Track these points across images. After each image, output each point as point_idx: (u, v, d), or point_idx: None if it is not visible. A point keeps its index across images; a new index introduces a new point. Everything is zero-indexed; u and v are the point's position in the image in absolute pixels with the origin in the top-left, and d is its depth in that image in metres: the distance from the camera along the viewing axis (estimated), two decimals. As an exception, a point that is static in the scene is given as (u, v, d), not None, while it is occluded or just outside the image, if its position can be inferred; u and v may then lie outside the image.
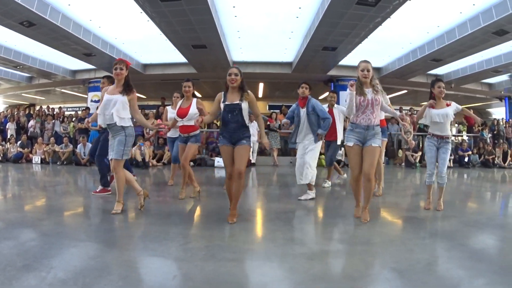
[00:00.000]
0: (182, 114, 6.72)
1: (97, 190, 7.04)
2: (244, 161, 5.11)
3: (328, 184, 8.42)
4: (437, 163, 6.01)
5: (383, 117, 7.19)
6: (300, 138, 6.89)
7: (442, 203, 6.02)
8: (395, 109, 7.75)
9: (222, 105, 5.13)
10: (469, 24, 11.72)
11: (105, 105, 5.36)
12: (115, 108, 5.31)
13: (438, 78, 6.15)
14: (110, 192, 6.95)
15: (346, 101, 5.26)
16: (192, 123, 6.59)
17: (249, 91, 5.20)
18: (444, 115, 5.80)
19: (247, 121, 5.17)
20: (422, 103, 14.34)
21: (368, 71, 5.23)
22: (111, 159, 5.49)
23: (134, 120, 5.66)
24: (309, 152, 6.80)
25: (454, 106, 5.89)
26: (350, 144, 5.22)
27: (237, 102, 5.07)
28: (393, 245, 4.09)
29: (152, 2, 10.15)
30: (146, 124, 6.58)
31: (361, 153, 5.21)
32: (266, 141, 5.65)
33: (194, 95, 6.93)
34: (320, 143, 6.91)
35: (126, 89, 5.42)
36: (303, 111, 6.83)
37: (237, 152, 5.08)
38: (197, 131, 6.86)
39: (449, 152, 6.01)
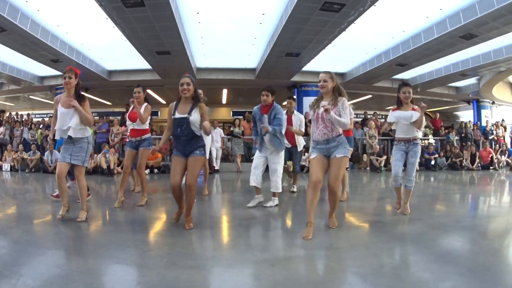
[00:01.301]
0: (133, 117, 6.76)
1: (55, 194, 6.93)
2: (196, 174, 5.03)
3: (295, 188, 8.43)
4: (404, 167, 6.00)
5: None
6: (263, 146, 6.77)
7: (409, 207, 6.04)
8: (360, 114, 7.87)
9: (172, 118, 5.04)
10: (435, 28, 11.81)
11: (62, 119, 5.29)
12: (72, 121, 5.25)
13: (404, 83, 6.13)
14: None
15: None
16: (143, 127, 6.70)
17: (202, 104, 5.08)
18: (409, 117, 5.78)
19: (198, 132, 5.03)
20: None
21: (325, 81, 5.03)
22: (66, 163, 5.31)
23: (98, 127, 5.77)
24: (276, 161, 6.73)
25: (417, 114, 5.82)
26: (313, 156, 5.02)
27: (185, 116, 4.95)
28: (356, 250, 4.07)
29: (117, 8, 10.05)
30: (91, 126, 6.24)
31: (323, 162, 5.03)
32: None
33: (146, 100, 6.97)
34: (283, 151, 6.84)
35: (78, 99, 5.30)
36: (265, 118, 6.69)
37: (190, 164, 4.99)
38: (148, 134, 6.89)
39: (418, 155, 6.00)
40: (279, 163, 6.75)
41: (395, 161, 5.98)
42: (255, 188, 6.78)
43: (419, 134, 6.51)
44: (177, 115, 5.00)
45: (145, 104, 6.88)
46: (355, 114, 8.82)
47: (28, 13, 11.21)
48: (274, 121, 6.52)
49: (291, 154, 8.31)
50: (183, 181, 5.11)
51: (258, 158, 6.78)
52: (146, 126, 6.86)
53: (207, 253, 4.07)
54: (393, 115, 5.98)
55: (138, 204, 6.68)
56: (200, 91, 6.79)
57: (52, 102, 5.80)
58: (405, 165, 6.01)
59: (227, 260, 3.83)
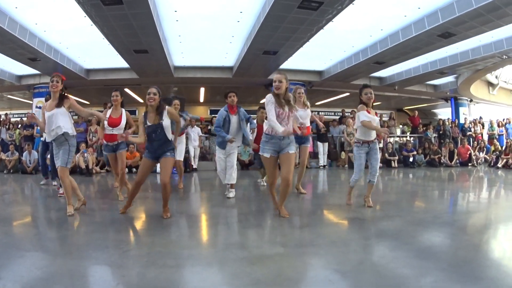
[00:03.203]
0: (114, 123, 6.98)
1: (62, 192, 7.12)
2: (169, 172, 5.57)
3: (264, 182, 8.91)
4: (367, 163, 6.35)
5: (308, 124, 7.71)
6: (232, 144, 7.30)
7: (371, 200, 6.37)
8: (337, 112, 8.21)
9: (145, 127, 5.53)
10: (413, 27, 11.85)
11: (49, 123, 5.73)
12: (58, 122, 5.70)
13: (365, 85, 6.34)
14: None
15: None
16: (120, 132, 6.80)
17: (167, 107, 5.63)
18: (377, 121, 6.13)
19: (170, 136, 5.56)
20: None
21: (280, 82, 5.36)
22: (58, 167, 5.80)
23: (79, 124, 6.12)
24: (232, 155, 7.41)
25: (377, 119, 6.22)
26: (267, 155, 5.45)
27: (158, 122, 5.45)
28: (336, 247, 4.08)
29: (95, 6, 9.94)
30: (98, 115, 6.65)
31: (276, 162, 5.50)
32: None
33: (122, 105, 7.14)
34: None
35: (61, 101, 5.81)
36: (235, 118, 7.30)
37: (162, 165, 5.56)
38: None
39: (378, 150, 6.38)
40: (235, 157, 7.54)
41: (359, 166, 6.27)
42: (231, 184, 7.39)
43: (397, 131, 6.81)
44: (149, 124, 5.51)
45: (123, 109, 7.07)
46: (333, 112, 8.93)
47: (5, 10, 11.04)
48: (250, 120, 7.60)
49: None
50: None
51: (223, 161, 7.46)
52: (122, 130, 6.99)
53: (187, 252, 4.05)
54: (367, 116, 6.05)
55: (119, 199, 7.04)
56: (177, 102, 7.48)
57: (30, 102, 6.26)
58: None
59: (206, 258, 3.84)
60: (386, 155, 14.67)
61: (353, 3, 9.82)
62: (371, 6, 10.84)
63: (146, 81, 17.00)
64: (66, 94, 5.99)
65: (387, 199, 6.96)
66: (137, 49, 13.35)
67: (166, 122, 5.51)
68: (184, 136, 8.87)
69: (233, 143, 7.28)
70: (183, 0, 10.67)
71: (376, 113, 6.19)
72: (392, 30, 12.68)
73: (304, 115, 7.45)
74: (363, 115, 6.06)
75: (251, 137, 8.07)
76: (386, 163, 14.54)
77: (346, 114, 17.39)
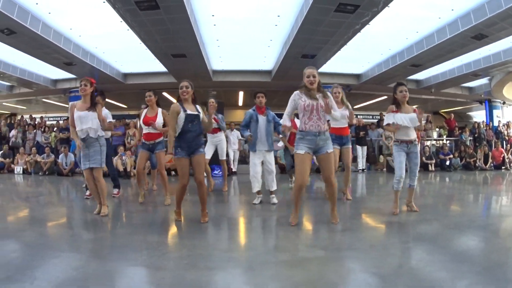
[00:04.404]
0: (149, 122, 7.04)
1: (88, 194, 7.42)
2: (203, 169, 5.48)
3: (292, 184, 8.65)
4: (407, 167, 6.06)
5: (346, 125, 7.28)
6: (259, 145, 7.04)
7: (414, 204, 6.17)
8: (375, 115, 7.97)
9: (182, 115, 5.30)
10: (448, 29, 11.79)
11: (80, 120, 5.81)
12: (92, 123, 5.82)
13: (399, 83, 6.18)
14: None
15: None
16: (156, 130, 6.98)
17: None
18: (412, 119, 5.82)
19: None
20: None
21: (314, 77, 5.20)
22: (89, 169, 5.90)
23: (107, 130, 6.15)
24: (270, 160, 7.14)
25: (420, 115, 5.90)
26: (302, 152, 5.12)
27: (196, 113, 5.39)
28: (374, 250, 4.09)
29: (131, 11, 10.08)
30: (109, 127, 6.52)
31: (310, 162, 5.24)
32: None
33: (158, 105, 7.23)
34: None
35: (92, 106, 5.90)
36: (262, 119, 7.05)
37: (196, 162, 5.37)
38: (162, 137, 7.18)
39: (419, 154, 6.08)
40: (273, 163, 7.25)
41: (399, 163, 5.94)
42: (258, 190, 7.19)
43: (434, 135, 6.59)
44: (189, 112, 5.34)
45: (160, 109, 7.14)
46: (371, 115, 8.77)
47: (38, 16, 11.22)
48: (277, 124, 7.12)
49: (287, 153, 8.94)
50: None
51: (257, 166, 7.13)
52: (160, 129, 7.07)
53: (227, 255, 4.06)
54: (395, 117, 5.93)
55: (165, 203, 6.99)
56: (212, 100, 7.06)
57: (66, 106, 6.32)
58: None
59: (247, 261, 3.85)
60: (424, 158, 14.44)
61: (388, 5, 9.82)
62: (406, 9, 10.80)
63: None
64: (97, 101, 6.10)
65: (424, 203, 6.88)
66: (175, 54, 13.46)
67: (202, 114, 5.47)
68: (223, 133, 8.83)
69: (264, 147, 7.03)
70: (220, 5, 10.76)
71: (414, 109, 5.94)
72: (427, 32, 12.63)
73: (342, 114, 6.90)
74: (388, 118, 6.00)
75: (275, 140, 7.89)
76: (423, 167, 14.31)
77: (384, 117, 17.22)
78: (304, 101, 5.12)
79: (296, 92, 5.26)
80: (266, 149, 7.05)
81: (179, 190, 5.50)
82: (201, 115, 5.44)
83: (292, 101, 5.24)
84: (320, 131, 5.13)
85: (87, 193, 7.57)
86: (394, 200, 6.09)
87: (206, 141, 8.29)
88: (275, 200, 7.06)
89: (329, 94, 5.32)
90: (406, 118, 5.85)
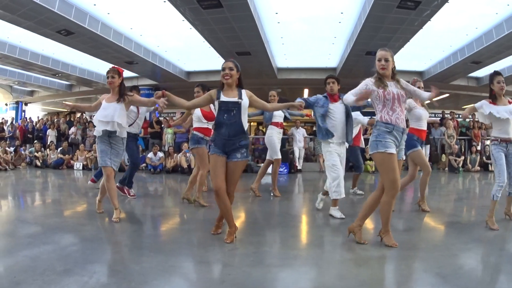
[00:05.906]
0: (210, 117, 6.50)
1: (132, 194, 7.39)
2: (236, 180, 4.42)
3: (359, 191, 7.94)
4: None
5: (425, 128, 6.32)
6: (336, 138, 5.76)
7: None
8: (438, 114, 7.57)
9: (216, 103, 4.36)
10: (505, 24, 11.67)
11: (105, 110, 5.36)
12: (120, 118, 5.35)
13: (496, 72, 5.21)
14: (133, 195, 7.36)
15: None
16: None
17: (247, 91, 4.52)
18: (510, 111, 4.95)
19: (245, 125, 4.36)
20: (464, 107, 14.16)
21: (386, 60, 4.32)
22: (109, 167, 5.39)
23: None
24: (343, 160, 5.92)
25: None
26: (392, 151, 4.07)
27: (236, 99, 4.31)
28: (437, 250, 4.10)
29: (194, 10, 10.30)
30: (148, 103, 5.86)
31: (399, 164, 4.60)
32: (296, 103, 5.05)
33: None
34: None
35: (121, 96, 5.43)
36: (340, 106, 5.91)
37: (230, 170, 4.33)
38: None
39: None
40: (343, 163, 5.95)
41: (500, 166, 5.04)
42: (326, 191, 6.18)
43: None
44: (225, 98, 4.32)
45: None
46: (433, 113, 8.42)
47: (97, 16, 11.60)
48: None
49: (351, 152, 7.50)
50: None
51: (336, 166, 5.76)
52: None
53: (293, 252, 4.05)
54: (492, 109, 5.01)
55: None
56: (273, 93, 7.07)
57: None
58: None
59: (313, 259, 3.88)
60: (484, 158, 14.13)
61: (448, 1, 9.79)
62: (465, 4, 10.77)
63: (249, 82, 17.33)
64: (127, 93, 5.57)
65: (484, 204, 6.60)
66: (240, 51, 13.61)
67: (245, 101, 4.34)
68: (272, 129, 7.85)
69: (341, 142, 5.79)
70: (283, 3, 10.85)
71: (509, 101, 5.06)
72: (486, 28, 12.51)
73: (425, 115, 6.22)
74: (487, 107, 5.09)
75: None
76: (483, 167, 14.00)
77: (446, 115, 16.92)
78: (384, 88, 4.16)
79: (369, 79, 4.35)
80: (340, 141, 5.80)
81: (217, 200, 4.34)
82: (245, 102, 4.35)
83: (364, 85, 4.28)
84: (404, 128, 4.22)
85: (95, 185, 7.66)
86: (491, 213, 5.11)
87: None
88: (338, 215, 5.68)
89: (406, 83, 4.41)
90: (507, 111, 4.96)
